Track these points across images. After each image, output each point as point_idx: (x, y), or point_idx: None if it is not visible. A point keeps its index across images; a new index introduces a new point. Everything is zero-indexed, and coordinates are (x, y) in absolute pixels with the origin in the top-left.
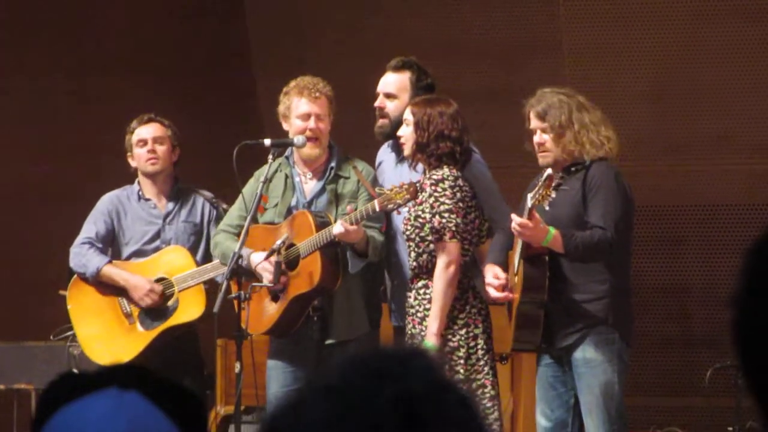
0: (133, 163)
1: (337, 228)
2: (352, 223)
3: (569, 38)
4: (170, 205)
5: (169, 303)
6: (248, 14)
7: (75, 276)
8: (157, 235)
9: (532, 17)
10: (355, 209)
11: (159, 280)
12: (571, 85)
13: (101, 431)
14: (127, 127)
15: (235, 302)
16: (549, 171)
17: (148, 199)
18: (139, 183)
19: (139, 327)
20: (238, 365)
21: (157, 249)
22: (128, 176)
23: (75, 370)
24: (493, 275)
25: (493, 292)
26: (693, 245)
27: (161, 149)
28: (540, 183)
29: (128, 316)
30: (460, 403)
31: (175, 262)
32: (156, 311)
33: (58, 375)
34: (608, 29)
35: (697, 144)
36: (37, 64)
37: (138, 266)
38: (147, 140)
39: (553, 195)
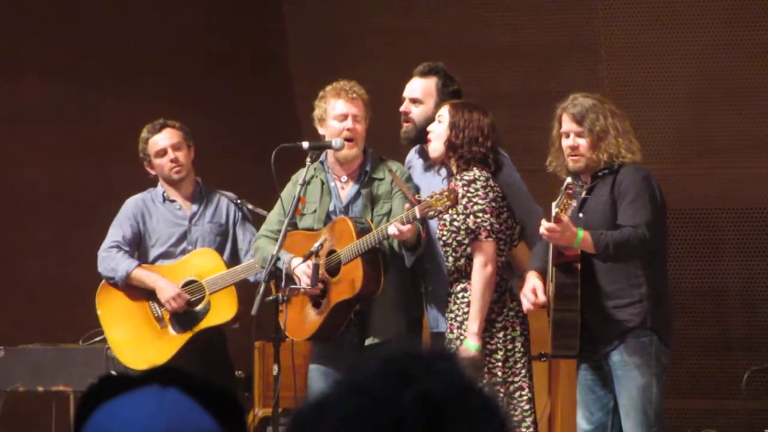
0: (152, 172)
1: (392, 229)
2: (404, 223)
3: (607, 40)
4: (195, 207)
5: (201, 306)
6: (287, 18)
7: (103, 281)
8: (183, 237)
9: (569, 20)
10: (419, 202)
11: (189, 283)
12: (608, 88)
13: (143, 427)
14: (140, 136)
15: (275, 305)
16: (568, 180)
17: (173, 201)
18: (162, 186)
19: (171, 330)
20: (276, 368)
21: (184, 251)
22: (148, 183)
23: (113, 372)
24: (531, 290)
25: (525, 304)
26: (731, 248)
27: (182, 155)
28: (561, 192)
29: (159, 319)
30: (482, 406)
31: (205, 264)
32: (187, 314)
33: (99, 377)
34: (646, 31)
35: (737, 147)
36: (69, 64)
37: (168, 269)
38: (166, 149)
39: (574, 204)
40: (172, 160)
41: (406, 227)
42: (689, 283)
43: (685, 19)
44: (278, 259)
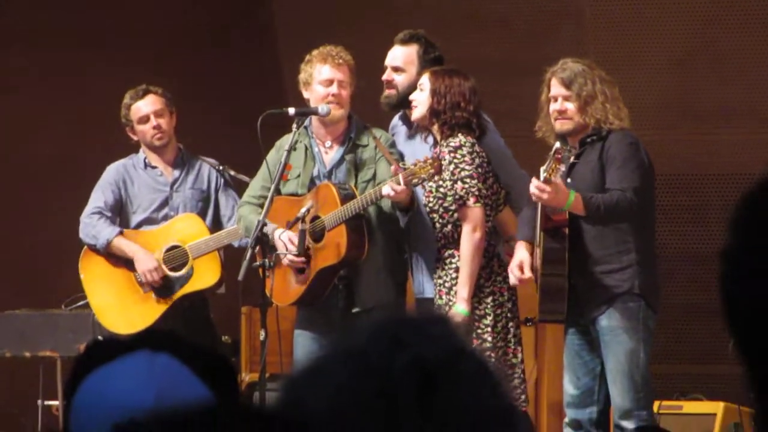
0: (135, 137)
1: (386, 189)
2: (399, 183)
3: (592, 7)
4: (176, 173)
5: (184, 271)
6: None
7: (86, 246)
8: (165, 203)
9: None
10: (404, 169)
11: (172, 248)
12: (594, 55)
13: (134, 392)
14: (123, 101)
15: (260, 270)
16: (557, 144)
17: (154, 167)
18: (144, 152)
19: (154, 295)
20: (262, 333)
21: (166, 216)
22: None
23: (101, 338)
24: (518, 265)
25: (512, 279)
26: (716, 213)
27: (164, 122)
28: (550, 157)
29: (143, 284)
30: (475, 371)
31: (188, 229)
32: (170, 279)
33: (89, 342)
34: None
35: (722, 113)
36: (51, 36)
37: (151, 234)
38: (149, 115)
39: (562, 168)
40: (154, 127)
41: (401, 188)
42: (675, 249)
43: None
44: (264, 224)
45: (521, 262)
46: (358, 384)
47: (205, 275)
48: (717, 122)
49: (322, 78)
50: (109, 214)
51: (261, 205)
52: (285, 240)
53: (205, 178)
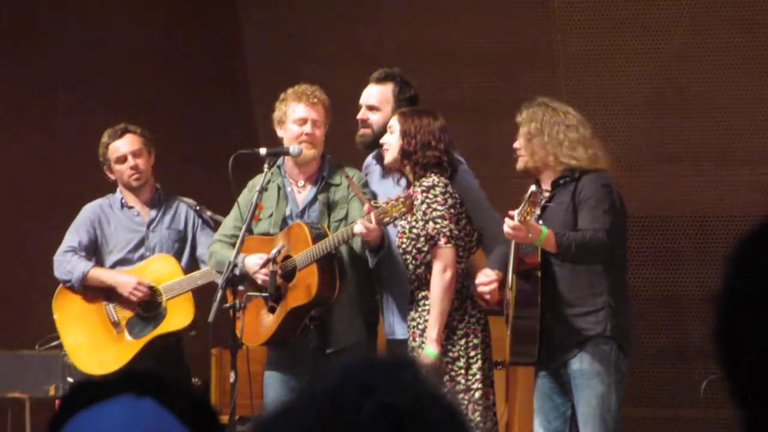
0: (112, 177)
1: (358, 228)
2: (371, 222)
3: (564, 48)
4: (153, 213)
5: (157, 311)
6: (243, 23)
7: (60, 285)
8: (141, 243)
9: (526, 27)
10: (375, 208)
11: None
12: (566, 95)
13: None
14: (101, 140)
15: (230, 311)
16: (533, 188)
17: (131, 207)
18: (121, 192)
19: (127, 336)
20: (232, 375)
21: (141, 257)
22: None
23: (70, 380)
24: (484, 275)
25: (482, 288)
26: (688, 256)
27: (141, 162)
28: (524, 200)
29: (116, 324)
30: (445, 418)
31: (162, 270)
32: (144, 320)
33: (75, 382)
34: (603, 39)
35: (694, 155)
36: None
37: (125, 275)
38: (126, 155)
39: (537, 212)
40: (131, 167)
41: (373, 226)
42: (646, 291)
43: (643, 27)
44: (236, 266)
45: (485, 272)
46: (327, 428)
47: (178, 316)
48: (689, 164)
49: (296, 117)
50: (83, 254)
51: (233, 244)
52: (259, 274)
53: (182, 218)
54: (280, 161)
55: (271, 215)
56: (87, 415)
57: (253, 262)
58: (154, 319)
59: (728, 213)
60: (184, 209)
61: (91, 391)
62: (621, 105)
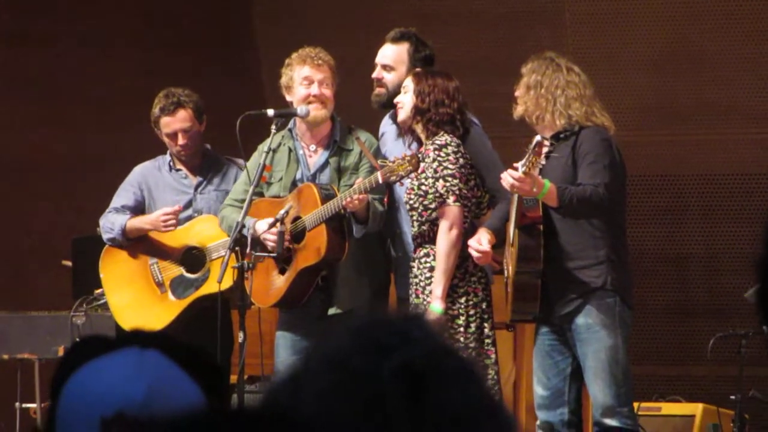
0: (162, 138)
1: (341, 199)
2: (362, 191)
3: (571, 7)
4: (201, 176)
5: (200, 273)
6: None
7: (106, 246)
8: (188, 205)
9: None
10: (382, 166)
11: (191, 249)
12: (572, 55)
13: (123, 386)
14: (154, 106)
15: (234, 271)
16: (538, 138)
17: (179, 170)
18: (171, 155)
19: (170, 296)
20: (241, 335)
21: (189, 218)
22: (125, 154)
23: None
24: (477, 240)
25: (474, 254)
26: (694, 214)
27: (191, 138)
28: (529, 150)
29: (160, 285)
30: (460, 369)
31: (206, 231)
32: (187, 280)
33: (79, 338)
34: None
35: (700, 113)
36: (45, 33)
37: (170, 235)
38: (177, 133)
39: (543, 162)
40: (181, 145)
41: (356, 197)
42: (653, 249)
43: None
44: (243, 226)
45: (478, 238)
46: (345, 394)
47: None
48: (695, 122)
49: (302, 78)
50: (127, 213)
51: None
52: (265, 240)
53: (231, 179)
54: (291, 124)
55: (281, 179)
56: (92, 366)
57: (263, 226)
58: (197, 280)
59: (734, 171)
60: (234, 170)
61: (94, 345)
62: (627, 64)
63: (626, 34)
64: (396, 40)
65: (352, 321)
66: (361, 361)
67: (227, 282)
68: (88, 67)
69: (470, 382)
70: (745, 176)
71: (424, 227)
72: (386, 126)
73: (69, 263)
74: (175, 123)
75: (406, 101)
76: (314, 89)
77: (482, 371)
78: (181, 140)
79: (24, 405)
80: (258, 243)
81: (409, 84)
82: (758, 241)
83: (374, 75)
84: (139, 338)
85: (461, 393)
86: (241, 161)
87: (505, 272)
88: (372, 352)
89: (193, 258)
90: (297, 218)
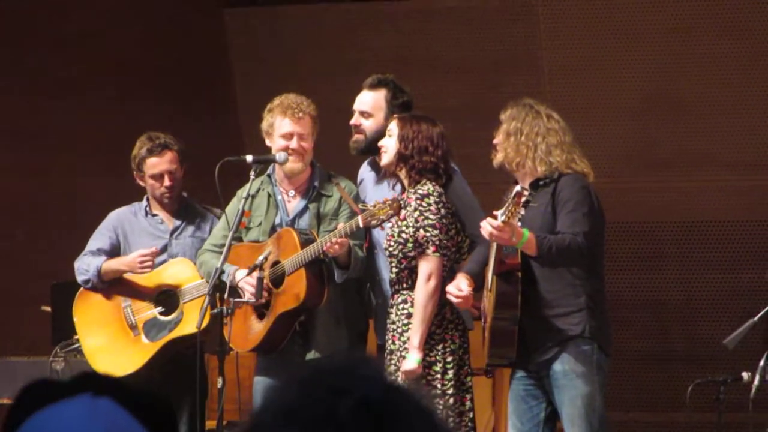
0: (142, 184)
1: (321, 243)
2: (343, 235)
3: (549, 55)
4: (177, 222)
5: (173, 315)
6: (229, 31)
7: (80, 289)
8: (164, 249)
9: (511, 35)
10: (363, 211)
11: (165, 292)
12: (551, 103)
13: None
14: (137, 150)
15: (208, 316)
16: (518, 187)
17: (155, 215)
18: (147, 200)
19: (143, 338)
20: (220, 380)
21: (163, 263)
22: (101, 199)
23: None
24: (456, 287)
25: (453, 300)
26: (672, 261)
27: (176, 180)
28: (509, 199)
29: (133, 327)
30: (416, 402)
31: (180, 274)
32: (160, 323)
33: (29, 382)
34: (588, 46)
35: (680, 160)
36: (18, 81)
37: (144, 277)
38: (163, 174)
39: (522, 212)
40: (166, 187)
41: (336, 240)
42: (631, 296)
43: (626, 35)
44: (222, 272)
45: (458, 285)
46: None
47: (194, 320)
48: (674, 170)
49: (282, 131)
50: (102, 256)
51: (222, 253)
52: (243, 285)
53: (207, 227)
54: (270, 170)
55: (260, 224)
56: (44, 414)
57: (243, 274)
58: (169, 322)
59: (713, 218)
60: (210, 218)
61: (46, 391)
62: (605, 112)
63: (604, 82)
64: (373, 86)
65: (298, 372)
66: (317, 407)
67: (203, 323)
68: (65, 114)
69: (426, 415)
70: (723, 223)
71: (403, 274)
72: (365, 173)
73: (48, 308)
74: (162, 164)
75: (389, 146)
76: (293, 143)
77: (433, 405)
78: (167, 182)
79: None
80: (236, 291)
81: (393, 128)
82: (735, 290)
83: (352, 122)
84: (92, 384)
85: (420, 425)
86: (218, 210)
87: (482, 318)
88: (325, 396)
89: (167, 299)
90: (276, 263)
